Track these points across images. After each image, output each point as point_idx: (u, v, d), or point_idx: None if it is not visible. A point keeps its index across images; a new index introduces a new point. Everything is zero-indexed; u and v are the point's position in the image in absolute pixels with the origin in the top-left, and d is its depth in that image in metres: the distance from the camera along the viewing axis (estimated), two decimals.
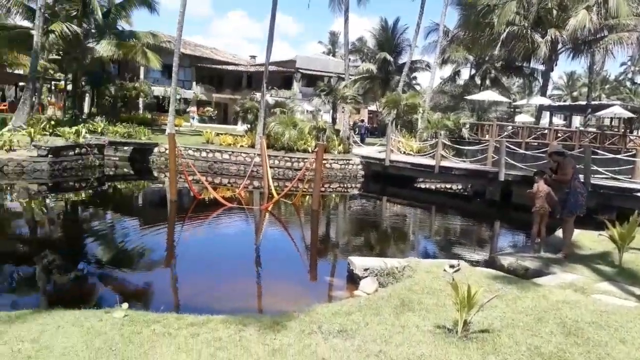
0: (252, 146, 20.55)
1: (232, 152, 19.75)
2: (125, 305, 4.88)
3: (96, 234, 10.50)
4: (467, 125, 22.62)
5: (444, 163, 17.24)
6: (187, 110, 36.12)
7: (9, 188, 14.05)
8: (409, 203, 16.87)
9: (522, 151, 17.23)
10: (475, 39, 28.48)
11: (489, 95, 26.57)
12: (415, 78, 38.82)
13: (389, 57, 32.74)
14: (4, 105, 30.10)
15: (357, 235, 11.89)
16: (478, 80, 35.53)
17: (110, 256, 8.85)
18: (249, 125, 24.05)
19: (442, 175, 17.42)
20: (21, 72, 31.14)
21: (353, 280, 7.26)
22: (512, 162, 15.66)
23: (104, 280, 7.57)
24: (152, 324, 4.60)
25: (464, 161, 17.94)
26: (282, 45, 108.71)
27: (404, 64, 29.78)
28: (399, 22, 34.83)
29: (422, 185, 19.91)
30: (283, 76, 39.09)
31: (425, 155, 19.05)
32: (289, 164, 19.29)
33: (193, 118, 34.61)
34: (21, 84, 30.35)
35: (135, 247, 9.44)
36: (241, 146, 20.63)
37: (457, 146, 19.11)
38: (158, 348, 4.09)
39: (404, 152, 20.32)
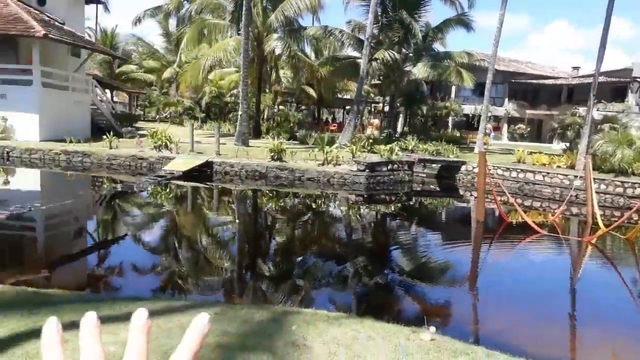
0: (572, 167, 18.20)
1: (547, 173, 17.91)
2: (432, 329, 4.72)
3: (402, 245, 10.94)
4: None
5: None
6: (485, 127, 35.18)
7: (333, 196, 16.22)
8: None
9: None
10: None
11: None
12: None
13: None
14: (334, 126, 35.52)
15: None
16: None
17: (414, 269, 9.00)
18: (567, 144, 21.59)
19: None
20: (348, 97, 36.17)
21: None
22: None
23: (408, 293, 7.70)
24: (459, 356, 4.26)
25: None
26: (614, 51, 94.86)
27: None
28: None
29: None
30: (614, 87, 33.78)
31: None
32: (619, 190, 16.25)
33: (489, 135, 33.34)
34: (347, 107, 35.27)
35: (439, 263, 9.38)
36: (558, 167, 18.52)
37: None
38: None
39: None
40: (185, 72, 28.03)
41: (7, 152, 17.22)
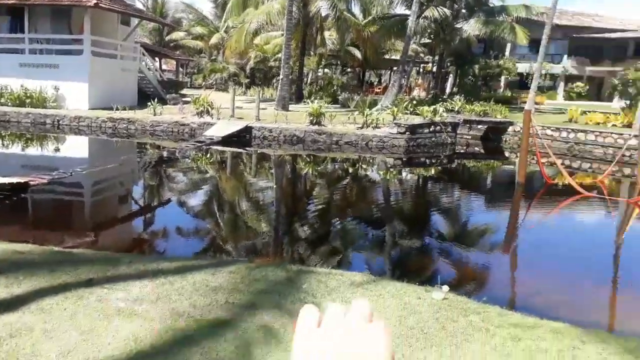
0: (629, 126, 17.03)
1: (600, 132, 16.87)
2: (445, 288, 4.64)
3: (438, 209, 10.75)
4: None
5: None
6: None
7: (370, 160, 16.05)
8: None
9: None
10: None
11: None
12: None
13: None
14: (379, 89, 34.82)
15: None
16: None
17: (448, 232, 8.86)
18: (627, 102, 20.16)
19: None
20: (396, 57, 35.13)
21: None
22: None
23: (439, 255, 7.57)
24: (470, 314, 4.20)
25: None
26: None
27: None
28: None
29: None
30: None
31: None
32: None
33: None
34: (395, 68, 34.32)
35: (475, 227, 9.22)
36: (613, 125, 17.39)
37: None
38: (472, 343, 3.67)
39: None
40: (231, 38, 28.09)
41: (58, 121, 18.11)
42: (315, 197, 11.67)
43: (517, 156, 16.07)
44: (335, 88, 30.39)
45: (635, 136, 13.25)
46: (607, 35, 35.17)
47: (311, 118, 17.33)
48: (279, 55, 31.17)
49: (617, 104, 22.48)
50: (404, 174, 14.90)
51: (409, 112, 19.25)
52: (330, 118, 17.68)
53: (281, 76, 21.94)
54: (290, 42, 22.19)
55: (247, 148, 16.49)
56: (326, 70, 37.33)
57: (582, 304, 5.62)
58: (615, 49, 35.60)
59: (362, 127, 17.17)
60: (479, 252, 7.74)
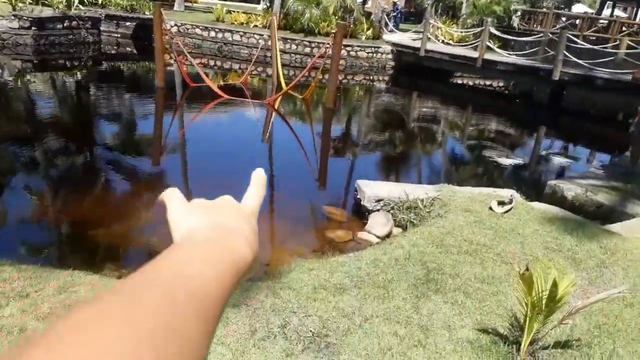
0: (268, 27, 17.42)
1: (244, 32, 16.70)
2: None
3: (65, 123, 8.48)
4: (519, 13, 18.75)
5: (488, 56, 14.16)
6: None
7: None
8: (442, 100, 14.14)
9: (582, 44, 13.70)
10: None
11: None
12: None
13: None
14: None
15: (374, 143, 9.50)
16: None
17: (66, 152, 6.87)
18: (268, 3, 20.63)
19: (484, 70, 14.42)
20: None
21: (360, 213, 5.16)
22: (572, 58, 12.57)
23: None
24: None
25: (510, 55, 14.74)
26: None
27: None
28: None
29: (459, 81, 16.92)
30: None
31: (467, 45, 15.76)
32: (307, 50, 16.31)
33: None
34: None
35: (113, 140, 7.46)
36: (254, 26, 17.45)
37: (505, 36, 15.61)
38: None
39: (443, 41, 17.01)
40: None
41: None
42: None
43: (170, 57, 14.09)
44: None
45: (269, 36, 13.31)
46: None
47: None
48: None
49: (262, 5, 22.94)
50: (34, 78, 11.45)
51: (34, 2, 14.98)
52: None
53: None
54: None
55: None
56: None
57: None
58: None
59: None
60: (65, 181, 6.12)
